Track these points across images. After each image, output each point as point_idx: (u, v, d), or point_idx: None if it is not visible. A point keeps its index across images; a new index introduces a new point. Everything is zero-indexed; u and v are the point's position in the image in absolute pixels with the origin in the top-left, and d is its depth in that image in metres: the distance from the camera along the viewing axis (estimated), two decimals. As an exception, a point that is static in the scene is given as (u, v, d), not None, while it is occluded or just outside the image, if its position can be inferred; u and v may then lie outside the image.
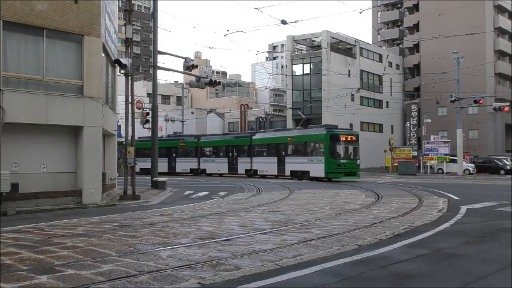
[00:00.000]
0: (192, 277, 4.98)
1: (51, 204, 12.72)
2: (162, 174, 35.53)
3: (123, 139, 17.31)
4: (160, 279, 4.89)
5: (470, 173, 37.43)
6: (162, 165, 36.61)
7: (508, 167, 37.92)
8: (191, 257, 6.00)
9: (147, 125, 26.44)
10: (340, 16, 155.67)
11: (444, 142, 38.50)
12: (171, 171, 36.68)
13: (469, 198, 14.78)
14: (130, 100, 16.50)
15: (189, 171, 36.08)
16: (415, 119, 49.63)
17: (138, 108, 31.12)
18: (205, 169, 35.38)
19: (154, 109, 21.85)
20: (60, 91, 13.19)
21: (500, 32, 52.33)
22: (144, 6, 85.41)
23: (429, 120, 42.90)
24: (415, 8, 56.47)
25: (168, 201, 15.54)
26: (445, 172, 38.61)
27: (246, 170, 32.38)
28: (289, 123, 45.89)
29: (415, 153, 40.17)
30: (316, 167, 26.24)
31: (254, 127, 50.10)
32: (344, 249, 6.50)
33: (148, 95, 45.46)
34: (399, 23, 60.39)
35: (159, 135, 42.33)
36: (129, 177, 15.87)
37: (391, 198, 14.34)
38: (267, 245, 6.76)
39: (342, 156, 26.05)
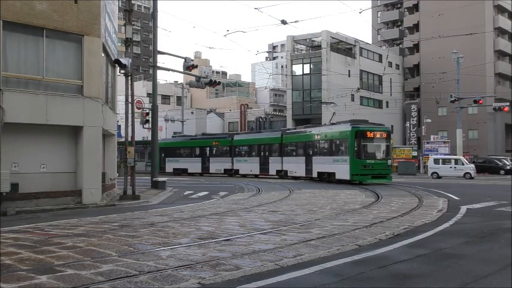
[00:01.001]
0: (192, 277, 4.99)
1: (51, 204, 12.72)
2: (195, 175, 34.39)
3: (123, 139, 17.31)
4: (160, 279, 4.89)
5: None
6: (196, 166, 35.88)
7: (508, 167, 37.87)
8: (191, 257, 6.00)
9: (147, 125, 26.40)
10: (340, 16, 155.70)
11: (444, 142, 38.53)
12: (205, 172, 35.39)
13: (469, 198, 14.79)
14: (130, 100, 16.51)
15: (223, 172, 34.34)
16: (415, 119, 49.64)
17: (138, 108, 31.13)
18: (238, 169, 33.55)
19: (154, 109, 21.84)
20: (60, 91, 13.20)
21: (500, 32, 52.34)
22: (144, 6, 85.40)
23: (429, 120, 42.92)
24: (415, 8, 56.48)
25: (168, 201, 15.54)
26: (445, 172, 38.54)
27: (277, 171, 30.11)
28: (289, 123, 45.88)
29: (415, 153, 40.17)
30: (342, 168, 23.24)
31: (254, 127, 50.09)
32: (344, 249, 6.50)
33: (148, 95, 45.44)
34: (399, 23, 60.40)
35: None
36: (129, 177, 15.86)
37: (391, 198, 14.34)
38: (267, 245, 6.76)
39: (369, 155, 22.74)
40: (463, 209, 11.54)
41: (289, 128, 33.89)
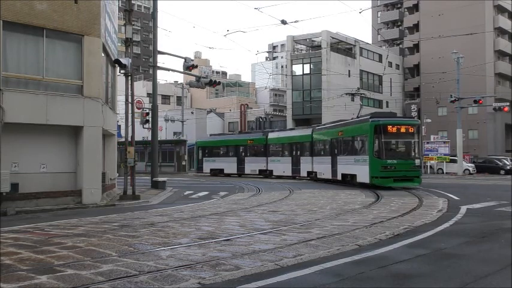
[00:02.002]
0: (192, 277, 4.99)
1: (51, 204, 12.72)
2: (231, 176, 33.58)
3: (123, 139, 17.31)
4: (160, 279, 4.89)
5: (470, 173, 37.41)
6: (232, 166, 33.94)
7: (508, 167, 37.87)
8: (191, 257, 6.00)
9: (147, 125, 26.42)
10: (340, 16, 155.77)
11: (444, 142, 38.43)
12: (241, 173, 33.54)
13: (469, 198, 14.78)
14: (130, 100, 16.51)
15: (258, 173, 32.05)
16: (415, 119, 49.59)
17: (138, 108, 31.12)
18: (272, 170, 31.15)
19: (154, 109, 21.85)
20: (60, 91, 13.21)
21: (500, 32, 52.34)
22: (144, 6, 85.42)
23: (429, 120, 42.85)
24: (415, 8, 56.50)
25: (168, 201, 15.54)
26: (445, 172, 38.59)
27: (308, 172, 27.10)
28: (289, 123, 45.87)
29: (415, 153, 40.01)
30: (362, 170, 19.67)
31: (254, 127, 50.06)
32: (344, 249, 6.50)
33: (148, 95, 45.45)
34: (399, 23, 60.41)
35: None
36: (129, 177, 15.86)
37: (391, 198, 14.34)
38: (267, 245, 6.76)
39: (391, 154, 19.02)
40: (463, 209, 11.53)
41: (320, 124, 30.69)
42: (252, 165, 32.65)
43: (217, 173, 34.79)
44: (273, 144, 31.50)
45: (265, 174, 31.48)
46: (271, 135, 32.13)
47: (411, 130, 19.39)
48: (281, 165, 30.23)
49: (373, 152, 18.93)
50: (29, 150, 12.90)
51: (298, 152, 28.57)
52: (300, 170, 28.11)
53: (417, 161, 19.33)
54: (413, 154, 19.52)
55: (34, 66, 12.82)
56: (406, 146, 19.81)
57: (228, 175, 33.99)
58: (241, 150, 33.74)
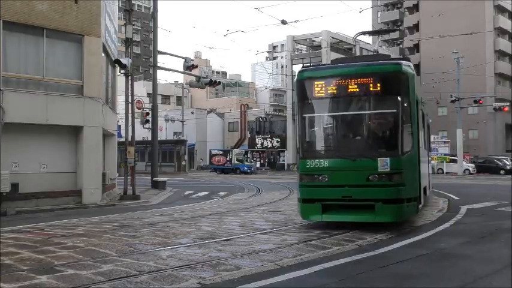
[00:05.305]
0: (192, 277, 4.98)
1: (51, 204, 12.72)
2: None
3: (123, 139, 17.30)
4: (160, 279, 4.89)
5: (470, 173, 37.39)
6: None
7: (508, 167, 37.84)
8: (191, 257, 6.00)
9: (147, 125, 26.42)
10: (340, 16, 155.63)
11: (444, 142, 38.45)
12: None
13: (469, 198, 14.76)
14: (130, 100, 16.51)
15: None
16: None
17: (138, 108, 31.07)
18: None
19: (154, 109, 21.85)
20: (60, 91, 13.21)
21: (500, 32, 52.32)
22: (144, 6, 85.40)
23: (430, 121, 42.85)
24: (415, 8, 56.51)
25: (168, 201, 15.54)
26: (445, 172, 38.58)
27: None
28: (289, 123, 45.83)
29: (415, 153, 39.84)
30: None
31: (254, 127, 50.00)
32: (344, 249, 6.49)
33: (148, 95, 45.42)
34: (399, 23, 60.40)
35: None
36: (129, 177, 15.86)
37: (391, 198, 14.28)
38: (267, 245, 6.76)
39: (322, 146, 9.06)
40: (463, 209, 11.52)
41: None
42: None
43: None
44: None
45: None
46: None
47: (376, 88, 8.22)
48: None
49: (299, 144, 8.89)
50: (29, 150, 12.90)
51: None
52: None
53: (384, 163, 7.80)
54: (379, 145, 8.51)
55: (34, 66, 12.82)
56: (361, 126, 8.85)
57: None
58: None
